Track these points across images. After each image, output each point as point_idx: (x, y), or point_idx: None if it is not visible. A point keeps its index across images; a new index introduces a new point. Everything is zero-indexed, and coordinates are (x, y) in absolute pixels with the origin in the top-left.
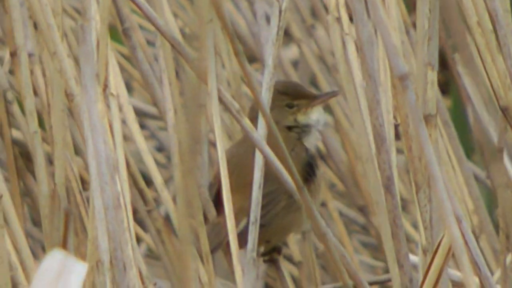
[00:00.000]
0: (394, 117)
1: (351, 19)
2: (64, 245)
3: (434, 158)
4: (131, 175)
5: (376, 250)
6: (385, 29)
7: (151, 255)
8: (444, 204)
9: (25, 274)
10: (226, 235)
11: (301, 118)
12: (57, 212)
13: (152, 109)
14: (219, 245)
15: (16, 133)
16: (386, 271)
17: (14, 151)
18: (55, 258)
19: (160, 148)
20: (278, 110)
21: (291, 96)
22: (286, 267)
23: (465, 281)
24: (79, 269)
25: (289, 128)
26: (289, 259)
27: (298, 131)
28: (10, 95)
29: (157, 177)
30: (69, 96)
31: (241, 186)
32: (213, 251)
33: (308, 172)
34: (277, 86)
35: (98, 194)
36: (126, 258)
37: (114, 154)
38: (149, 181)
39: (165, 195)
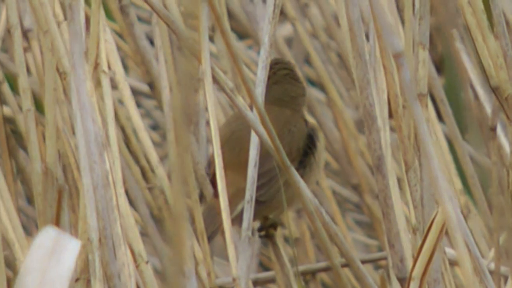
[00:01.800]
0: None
1: None
2: (57, 222)
3: (428, 136)
4: (132, 152)
5: (369, 228)
6: (380, 8)
7: (142, 233)
8: (438, 182)
9: (20, 252)
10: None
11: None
12: (50, 190)
13: (146, 88)
14: (215, 232)
15: (7, 111)
16: (380, 249)
17: (5, 129)
18: (48, 235)
19: (155, 127)
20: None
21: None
22: (281, 244)
23: (459, 259)
24: (72, 246)
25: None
26: (284, 237)
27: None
28: (0, 75)
29: (153, 155)
30: (61, 74)
31: (243, 164)
32: (209, 238)
33: (308, 145)
34: (280, 59)
35: (87, 173)
36: (115, 236)
37: (102, 132)
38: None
39: (160, 172)
